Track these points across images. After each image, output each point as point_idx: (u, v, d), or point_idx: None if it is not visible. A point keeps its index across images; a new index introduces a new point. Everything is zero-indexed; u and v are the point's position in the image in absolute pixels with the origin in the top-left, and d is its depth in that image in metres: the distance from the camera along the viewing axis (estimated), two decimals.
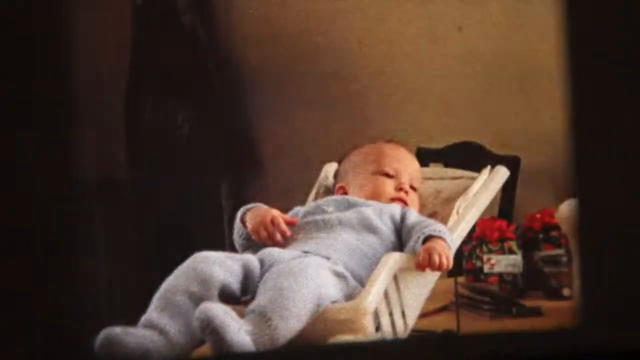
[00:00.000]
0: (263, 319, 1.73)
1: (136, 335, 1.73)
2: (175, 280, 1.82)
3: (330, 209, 2.07)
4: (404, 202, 2.13)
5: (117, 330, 1.72)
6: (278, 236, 2.02)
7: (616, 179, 1.28)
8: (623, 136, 1.27)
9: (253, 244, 2.06)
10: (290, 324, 1.74)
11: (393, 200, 2.13)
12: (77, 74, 1.31)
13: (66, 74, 1.30)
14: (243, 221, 2.08)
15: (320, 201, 2.15)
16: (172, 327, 1.76)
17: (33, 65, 1.30)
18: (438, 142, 3.22)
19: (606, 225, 1.29)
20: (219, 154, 3.72)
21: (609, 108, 1.27)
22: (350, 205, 2.08)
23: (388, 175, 2.17)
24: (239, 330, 1.68)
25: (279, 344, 1.74)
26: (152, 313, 1.78)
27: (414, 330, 1.99)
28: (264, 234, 2.03)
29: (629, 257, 1.28)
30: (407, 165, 2.19)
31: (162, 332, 1.75)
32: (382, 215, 2.04)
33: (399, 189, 2.15)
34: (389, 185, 2.15)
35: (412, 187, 2.17)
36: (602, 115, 1.27)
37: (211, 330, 1.68)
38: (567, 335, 1.31)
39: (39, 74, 1.30)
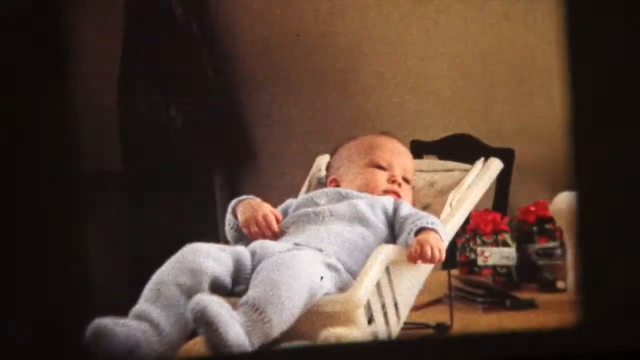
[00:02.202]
0: (256, 311, 1.72)
1: (126, 326, 1.72)
2: (166, 271, 1.81)
3: (322, 202, 2.06)
4: (397, 195, 2.12)
5: (108, 321, 1.71)
6: (268, 234, 2.02)
7: (615, 172, 1.27)
8: (621, 130, 1.26)
9: (244, 236, 2.05)
10: (283, 316, 1.73)
11: (386, 192, 2.12)
12: (75, 69, 1.31)
13: (64, 69, 1.30)
14: (234, 213, 2.07)
15: (312, 193, 2.14)
16: (163, 318, 1.75)
17: (31, 62, 1.29)
18: (433, 135, 3.22)
19: (605, 221, 1.28)
20: (212, 146, 3.72)
21: (608, 100, 1.26)
22: (342, 198, 2.07)
23: (381, 168, 2.16)
24: (232, 322, 1.68)
25: (272, 336, 1.73)
26: (143, 304, 1.77)
27: (406, 323, 1.98)
28: (254, 229, 2.02)
29: (628, 253, 1.27)
30: (400, 157, 2.18)
31: (152, 323, 1.74)
32: (375, 207, 2.03)
33: (392, 181, 2.14)
34: (381, 178, 2.14)
35: (405, 180, 2.16)
36: (601, 108, 1.26)
37: (205, 322, 1.67)
38: (567, 334, 1.31)
39: (37, 69, 1.30)
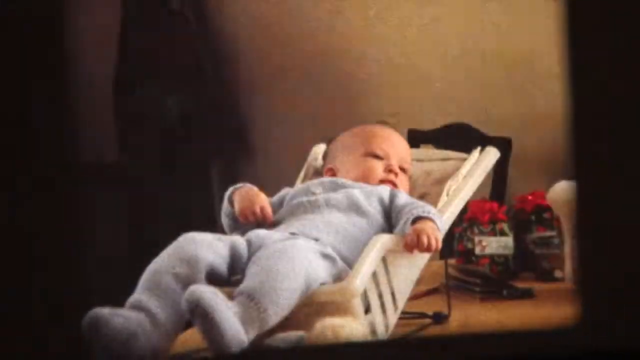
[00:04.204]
0: (252, 301, 1.71)
1: (123, 316, 1.72)
2: (162, 261, 1.80)
3: (318, 191, 2.06)
4: (394, 184, 2.11)
5: (105, 311, 1.71)
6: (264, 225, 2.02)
7: (616, 163, 1.26)
8: (621, 119, 1.26)
9: (240, 224, 2.04)
10: (279, 306, 1.72)
11: (382, 182, 2.11)
12: (72, 62, 1.30)
13: (60, 61, 1.29)
14: (231, 201, 2.06)
15: (308, 183, 2.13)
16: (159, 308, 1.75)
17: (28, 54, 1.29)
18: (431, 125, 3.22)
19: (605, 211, 1.27)
20: (209, 138, 3.71)
21: (608, 90, 1.25)
22: (338, 187, 2.06)
23: (377, 157, 2.15)
24: (228, 313, 1.67)
25: (268, 326, 1.73)
26: (139, 295, 1.77)
27: (404, 313, 1.98)
28: (251, 218, 2.02)
29: (631, 248, 1.26)
30: (396, 146, 2.17)
31: (148, 313, 1.74)
32: (370, 197, 2.03)
33: (388, 170, 2.13)
34: (378, 167, 2.13)
35: (402, 169, 2.15)
36: (600, 97, 1.25)
37: (200, 312, 1.66)
38: (567, 333, 1.30)
39: (34, 62, 1.29)
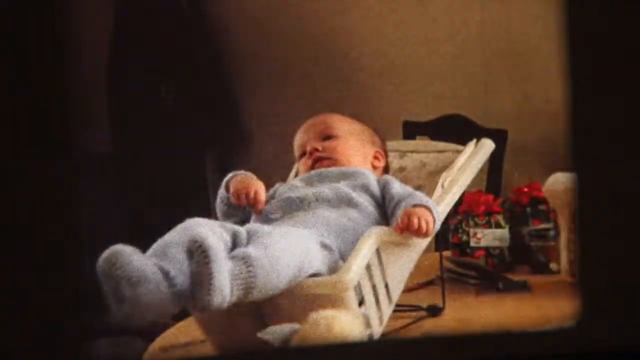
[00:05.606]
0: (245, 263, 1.69)
1: (143, 260, 1.67)
2: (170, 237, 1.78)
3: (303, 186, 2.07)
4: (319, 159, 2.14)
5: (127, 248, 1.68)
6: (255, 209, 2.02)
7: (616, 156, 1.25)
8: (621, 112, 1.25)
9: (234, 211, 2.04)
10: (269, 278, 1.71)
11: (310, 166, 2.15)
12: (67, 51, 1.29)
13: (55, 52, 1.28)
14: (227, 187, 2.06)
15: (293, 181, 2.15)
16: (170, 270, 1.70)
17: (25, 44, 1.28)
18: (426, 116, 3.21)
19: (605, 204, 1.26)
20: (204, 128, 3.70)
21: (606, 81, 1.24)
22: (323, 179, 2.07)
23: (302, 154, 2.20)
24: (224, 263, 1.65)
25: (253, 295, 1.70)
26: (150, 258, 1.73)
27: (398, 305, 1.97)
28: (244, 201, 2.02)
29: (631, 246, 1.25)
30: (310, 128, 2.21)
31: (162, 269, 1.69)
32: (356, 188, 2.03)
33: (310, 154, 2.16)
34: (304, 162, 2.18)
35: (328, 137, 2.17)
36: (600, 88, 1.25)
37: (199, 252, 1.64)
38: (566, 333, 1.29)
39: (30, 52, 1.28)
